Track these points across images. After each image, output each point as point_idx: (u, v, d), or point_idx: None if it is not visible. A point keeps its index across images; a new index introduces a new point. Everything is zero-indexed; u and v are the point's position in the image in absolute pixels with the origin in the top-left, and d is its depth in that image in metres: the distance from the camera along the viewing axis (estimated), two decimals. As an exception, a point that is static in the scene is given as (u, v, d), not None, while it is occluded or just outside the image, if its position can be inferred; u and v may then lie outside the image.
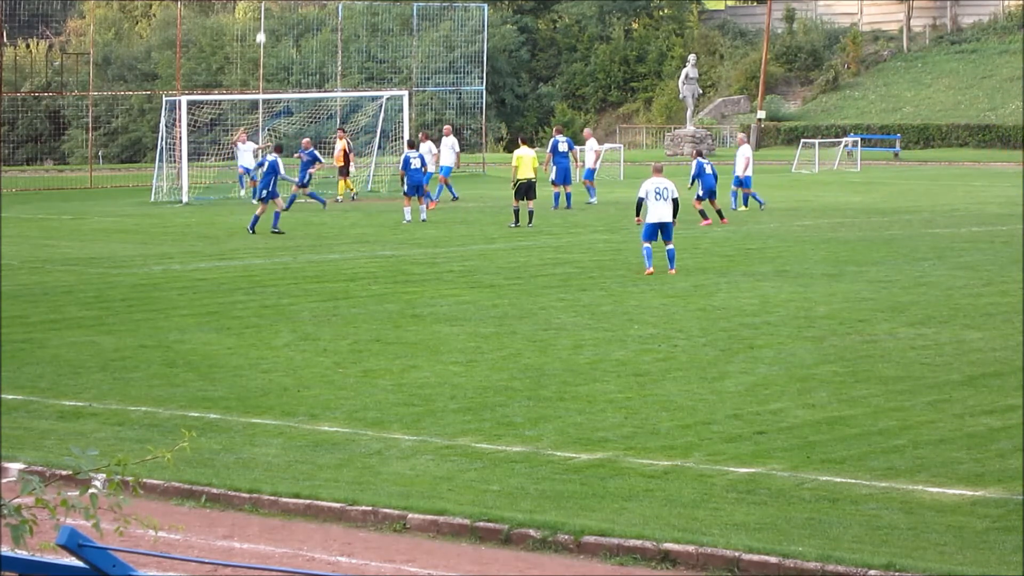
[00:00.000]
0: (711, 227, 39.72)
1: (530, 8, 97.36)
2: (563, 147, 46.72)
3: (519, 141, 44.59)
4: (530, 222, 40.45)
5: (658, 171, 31.39)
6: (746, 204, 46.03)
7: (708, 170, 41.12)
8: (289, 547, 13.60)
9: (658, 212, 30.30)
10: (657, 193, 30.40)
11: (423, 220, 41.95)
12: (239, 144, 53.94)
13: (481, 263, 32.53)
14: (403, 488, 14.87)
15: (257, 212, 39.85)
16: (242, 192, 52.86)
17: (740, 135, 53.22)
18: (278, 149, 42.32)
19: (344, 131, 54.28)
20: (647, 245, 30.44)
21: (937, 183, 59.02)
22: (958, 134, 79.76)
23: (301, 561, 13.14)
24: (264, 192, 40.25)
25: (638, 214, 31.22)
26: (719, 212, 41.12)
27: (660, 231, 30.42)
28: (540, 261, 32.86)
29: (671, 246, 30.47)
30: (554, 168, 46.36)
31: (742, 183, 46.16)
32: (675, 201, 30.40)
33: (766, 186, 53.74)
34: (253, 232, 39.05)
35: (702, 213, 40.53)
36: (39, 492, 5.72)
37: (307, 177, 46.77)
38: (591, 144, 51.43)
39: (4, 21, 75.36)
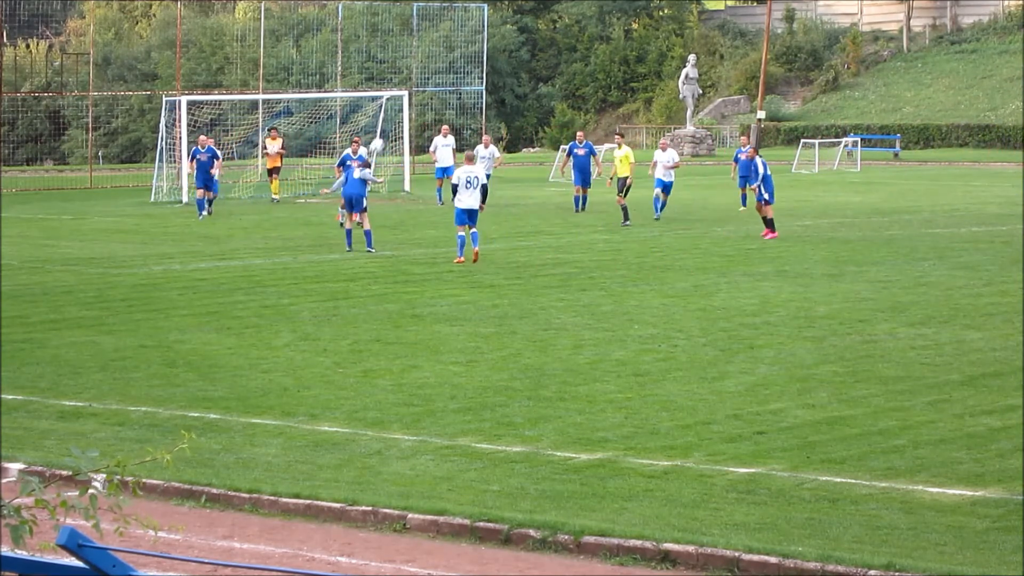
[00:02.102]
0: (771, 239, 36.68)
1: (530, 8, 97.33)
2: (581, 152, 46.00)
3: (620, 135, 44.95)
4: (627, 219, 40.51)
5: (470, 160, 34.33)
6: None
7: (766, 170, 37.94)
8: (289, 547, 13.60)
9: (466, 199, 32.48)
10: (468, 182, 32.64)
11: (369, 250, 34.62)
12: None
13: (481, 263, 32.53)
14: (403, 488, 14.87)
15: (348, 226, 35.24)
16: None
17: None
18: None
19: (277, 131, 53.94)
20: (460, 233, 32.51)
21: (937, 183, 59.02)
22: (958, 134, 79.75)
23: (301, 561, 13.13)
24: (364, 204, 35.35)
25: (455, 196, 33.46)
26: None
27: (467, 216, 32.44)
28: (540, 261, 32.87)
29: (475, 230, 32.46)
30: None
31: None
32: (483, 188, 32.99)
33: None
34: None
35: (770, 223, 37.18)
36: (38, 492, 5.72)
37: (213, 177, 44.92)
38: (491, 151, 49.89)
39: (4, 21, 75.36)
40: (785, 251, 34.48)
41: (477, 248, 32.45)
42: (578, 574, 12.94)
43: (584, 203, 45.19)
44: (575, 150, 45.86)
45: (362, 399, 18.89)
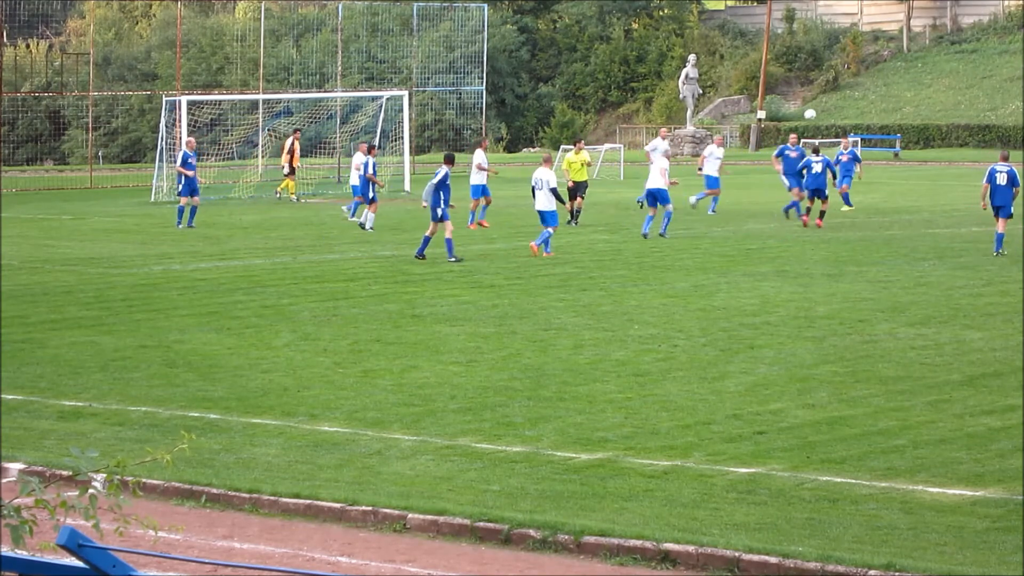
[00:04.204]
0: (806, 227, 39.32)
1: (530, 8, 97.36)
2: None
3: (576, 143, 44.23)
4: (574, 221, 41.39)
5: (546, 162, 35.80)
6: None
7: (818, 168, 39.77)
8: (289, 547, 13.60)
9: (538, 201, 34.45)
10: (535, 185, 34.77)
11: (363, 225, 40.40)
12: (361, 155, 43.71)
13: (481, 263, 32.53)
14: (403, 488, 14.87)
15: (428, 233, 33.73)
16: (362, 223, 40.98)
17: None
18: (371, 149, 40.34)
19: (299, 131, 54.35)
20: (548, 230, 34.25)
21: (937, 183, 59.01)
22: (958, 134, 79.77)
23: (301, 561, 13.13)
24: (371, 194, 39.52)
25: (534, 196, 35.04)
26: (821, 213, 39.86)
27: (542, 216, 34.23)
28: (540, 261, 32.87)
29: (547, 229, 33.89)
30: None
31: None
32: (552, 191, 34.13)
33: (767, 186, 53.77)
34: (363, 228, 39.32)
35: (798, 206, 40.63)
36: (38, 493, 5.72)
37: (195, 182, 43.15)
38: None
39: (4, 21, 75.34)
40: (785, 251, 34.49)
41: (535, 244, 33.66)
42: (578, 574, 12.94)
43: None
44: (786, 152, 43.64)
45: (362, 399, 18.88)
